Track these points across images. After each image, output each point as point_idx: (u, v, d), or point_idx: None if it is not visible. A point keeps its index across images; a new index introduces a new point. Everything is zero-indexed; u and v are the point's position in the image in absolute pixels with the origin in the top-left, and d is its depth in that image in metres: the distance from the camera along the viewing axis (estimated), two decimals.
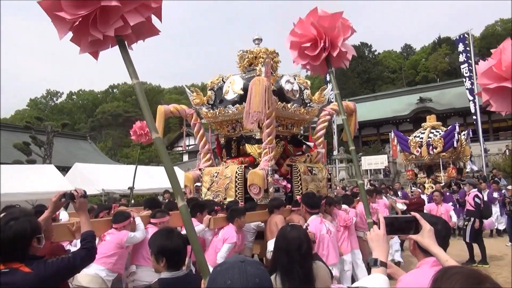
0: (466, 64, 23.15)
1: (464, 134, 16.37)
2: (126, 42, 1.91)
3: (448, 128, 16.61)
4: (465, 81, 23.43)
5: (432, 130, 16.83)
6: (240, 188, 6.10)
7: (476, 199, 8.60)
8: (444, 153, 15.71)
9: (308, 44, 2.86)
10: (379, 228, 1.69)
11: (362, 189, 2.79)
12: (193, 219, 5.05)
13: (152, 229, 4.57)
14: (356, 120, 6.99)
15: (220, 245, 4.83)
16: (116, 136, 45.03)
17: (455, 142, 15.44)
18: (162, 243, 2.31)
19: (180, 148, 43.90)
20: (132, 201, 12.02)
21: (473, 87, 22.64)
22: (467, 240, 8.51)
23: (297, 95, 6.89)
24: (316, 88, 7.68)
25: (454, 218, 8.03)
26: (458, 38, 23.69)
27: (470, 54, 22.87)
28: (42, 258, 2.31)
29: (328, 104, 7.42)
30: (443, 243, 2.01)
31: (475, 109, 22.61)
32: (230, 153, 6.98)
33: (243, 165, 6.29)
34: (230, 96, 6.70)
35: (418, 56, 55.29)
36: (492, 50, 2.47)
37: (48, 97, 62.68)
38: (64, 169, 18.16)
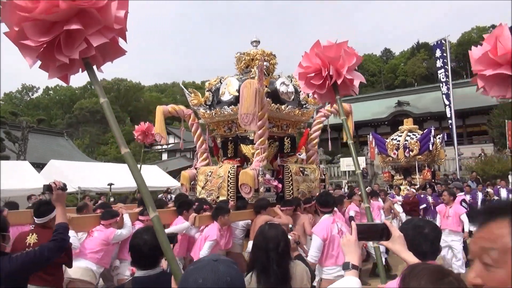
0: (443, 70, 23.71)
1: (439, 138, 16.79)
2: (93, 65, 1.96)
3: (424, 131, 17.01)
4: (442, 86, 24.02)
5: (409, 133, 17.20)
6: (232, 187, 6.24)
7: (463, 203, 8.40)
8: (419, 156, 16.08)
9: (313, 74, 2.99)
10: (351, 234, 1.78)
11: (360, 178, 2.94)
12: (179, 216, 5.26)
13: (140, 226, 4.69)
14: (352, 121, 7.34)
15: (204, 242, 4.93)
16: (93, 133, 44.18)
17: (430, 145, 15.82)
18: (132, 241, 2.28)
19: (159, 147, 43.46)
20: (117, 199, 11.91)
21: (449, 92, 23.22)
22: None
23: (292, 97, 7.02)
24: None
25: (466, 226, 6.92)
26: (435, 44, 24.24)
27: (447, 60, 23.43)
28: (7, 254, 2.34)
29: (323, 106, 7.62)
30: (432, 248, 2.06)
31: (451, 113, 23.19)
32: (227, 153, 7.11)
33: (235, 165, 6.45)
34: (226, 97, 6.84)
35: (397, 61, 56.41)
36: (484, 36, 2.51)
37: (24, 92, 61.02)
38: (39, 166, 17.76)
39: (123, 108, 51.40)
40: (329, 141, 7.32)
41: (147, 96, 57.50)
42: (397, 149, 16.44)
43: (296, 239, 3.33)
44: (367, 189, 10.44)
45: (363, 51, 60.33)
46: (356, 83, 3.04)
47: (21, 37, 1.75)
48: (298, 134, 7.65)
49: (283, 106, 6.67)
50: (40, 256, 2.48)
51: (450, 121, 23.36)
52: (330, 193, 5.65)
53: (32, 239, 3.60)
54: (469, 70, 47.76)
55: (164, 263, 2.46)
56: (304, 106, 7.22)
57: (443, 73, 23.66)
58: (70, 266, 3.82)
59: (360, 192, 7.08)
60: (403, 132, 17.37)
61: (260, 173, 5.95)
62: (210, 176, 6.62)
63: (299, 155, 7.11)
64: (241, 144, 6.90)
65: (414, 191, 10.96)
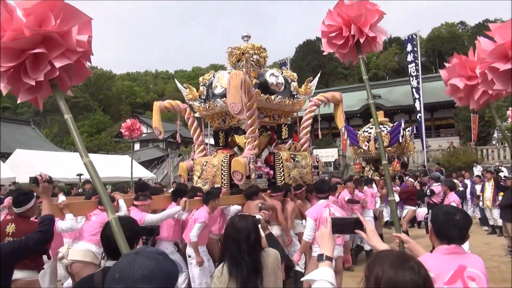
0: (413, 64, 24.31)
1: (408, 131, 17.25)
2: (61, 87, 2.14)
3: (395, 124, 17.42)
4: (412, 80, 24.62)
5: (380, 126, 17.57)
6: (226, 175, 6.58)
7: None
8: (390, 148, 16.45)
9: (335, 34, 3.03)
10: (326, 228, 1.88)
11: (386, 168, 2.95)
12: (173, 203, 5.51)
13: (135, 211, 5.01)
14: (343, 109, 7.71)
15: (193, 225, 5.18)
16: (62, 122, 42.86)
17: (400, 138, 16.22)
18: (103, 232, 2.26)
19: None
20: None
21: (418, 86, 23.86)
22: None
23: (282, 88, 7.28)
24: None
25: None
26: (407, 38, 24.78)
27: (417, 54, 24.03)
28: None
29: (314, 96, 7.94)
30: (460, 233, 2.13)
31: (420, 107, 23.83)
32: (218, 143, 7.48)
33: (228, 154, 6.77)
34: (218, 90, 7.10)
35: (369, 54, 57.35)
36: (491, 25, 2.59)
37: None
38: (4, 156, 17.13)
39: (93, 97, 50.09)
40: (319, 131, 7.75)
41: (119, 85, 56.24)
42: (368, 141, 16.73)
43: (266, 218, 3.42)
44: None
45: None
46: (380, 39, 3.07)
47: None
48: (293, 123, 7.99)
49: (272, 97, 6.94)
50: (25, 246, 2.60)
51: (419, 114, 24.02)
52: (326, 180, 5.92)
53: (11, 228, 3.79)
54: (438, 65, 49.17)
55: None
56: (295, 96, 7.53)
57: (414, 67, 24.26)
58: (48, 255, 4.05)
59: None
60: (374, 125, 17.73)
61: (251, 160, 6.26)
62: (205, 165, 6.96)
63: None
64: (234, 135, 7.18)
65: (413, 180, 11.08)
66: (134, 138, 11.26)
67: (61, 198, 5.86)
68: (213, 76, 7.46)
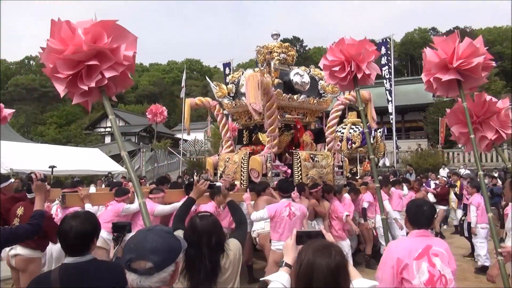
0: (387, 67, 24.81)
1: (380, 132, 17.62)
2: (108, 93, 2.56)
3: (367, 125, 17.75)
4: (386, 83, 25.13)
5: (352, 126, 17.84)
6: (244, 172, 6.77)
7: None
8: (361, 148, 16.78)
9: (337, 68, 3.52)
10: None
11: (375, 169, 3.22)
12: (187, 196, 5.54)
13: (149, 203, 5.29)
14: (372, 107, 7.75)
15: None
16: (30, 112, 41.43)
17: (372, 139, 16.57)
18: (60, 227, 2.18)
19: (102, 129, 41.71)
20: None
21: (391, 88, 24.38)
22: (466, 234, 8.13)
23: (307, 87, 7.37)
24: None
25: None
26: (381, 41, 25.24)
27: (391, 57, 24.55)
28: None
29: (341, 94, 8.09)
30: (426, 221, 2.66)
31: (392, 109, 24.38)
32: (242, 141, 7.65)
33: (248, 152, 6.93)
34: (243, 88, 7.17)
35: None
36: (435, 39, 3.13)
37: None
38: None
39: None
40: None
41: None
42: (341, 141, 17.00)
43: (227, 185, 3.50)
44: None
45: (314, 44, 61.55)
46: (373, 75, 3.56)
47: (54, 71, 2.33)
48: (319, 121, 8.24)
49: (295, 96, 7.05)
50: (15, 233, 2.85)
51: (391, 116, 24.57)
52: (290, 181, 5.96)
53: (20, 211, 4.24)
54: (410, 69, 50.46)
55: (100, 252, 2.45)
56: (322, 95, 7.64)
57: (387, 70, 24.75)
58: (52, 241, 4.25)
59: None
60: (347, 125, 18.02)
61: (268, 159, 6.44)
62: (228, 162, 7.20)
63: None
64: (259, 133, 7.31)
65: (445, 179, 11.05)
66: (159, 122, 12.09)
67: (92, 189, 6.42)
68: (242, 74, 7.61)
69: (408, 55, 53.14)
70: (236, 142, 8.05)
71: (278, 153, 6.99)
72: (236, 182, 6.66)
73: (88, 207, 5.03)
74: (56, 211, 5.50)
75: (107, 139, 39.26)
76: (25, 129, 37.03)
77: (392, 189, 7.89)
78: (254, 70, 7.41)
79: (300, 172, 6.75)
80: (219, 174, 7.42)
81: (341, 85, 3.69)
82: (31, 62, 56.34)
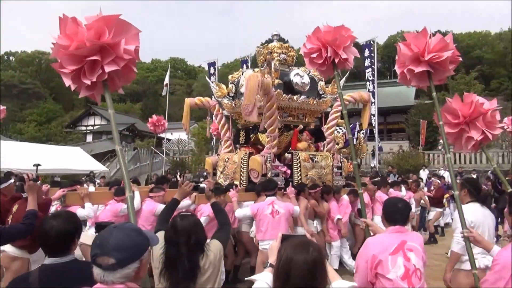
0: (370, 69, 25.10)
1: (362, 133, 17.82)
2: (112, 86, 2.64)
3: (350, 126, 17.92)
4: (369, 84, 25.41)
5: (336, 127, 17.98)
6: (244, 172, 6.79)
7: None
8: (344, 149, 16.94)
9: (315, 55, 3.70)
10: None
11: (356, 171, 3.32)
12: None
13: (149, 202, 5.47)
14: (370, 109, 7.86)
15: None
16: (9, 109, 40.36)
17: (354, 140, 16.74)
18: (41, 227, 2.16)
19: (83, 128, 41.03)
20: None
21: (374, 90, 24.68)
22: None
23: (307, 88, 7.41)
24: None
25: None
26: (365, 43, 25.52)
27: (374, 60, 24.85)
28: None
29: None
30: (402, 217, 2.78)
31: (375, 111, 24.68)
32: (238, 141, 7.68)
33: (247, 152, 6.96)
34: (244, 89, 7.20)
35: None
36: (407, 35, 3.33)
37: None
38: None
39: (44, 84, 47.56)
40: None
41: None
42: None
43: (211, 187, 3.71)
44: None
45: (298, 45, 61.64)
46: (351, 59, 3.72)
47: (61, 66, 2.45)
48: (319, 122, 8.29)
49: (295, 97, 7.09)
50: (8, 234, 2.88)
51: (374, 118, 24.86)
52: (273, 179, 5.98)
53: (15, 208, 4.16)
54: (392, 71, 51.17)
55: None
56: (321, 95, 7.69)
57: (370, 72, 25.04)
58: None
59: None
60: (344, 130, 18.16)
61: (268, 159, 6.44)
62: (227, 162, 7.19)
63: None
64: (258, 133, 7.32)
65: (439, 182, 11.01)
66: (158, 133, 12.79)
67: (91, 188, 6.40)
68: (242, 74, 7.63)
69: (391, 58, 53.86)
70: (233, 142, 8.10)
71: (278, 153, 7.01)
72: (235, 182, 6.66)
73: (88, 206, 5.08)
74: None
75: (89, 138, 38.65)
76: (4, 127, 36.11)
77: (391, 190, 7.97)
78: (254, 70, 7.44)
79: (299, 173, 6.78)
80: (218, 174, 7.44)
81: (321, 71, 3.86)
82: (11, 58, 55.01)
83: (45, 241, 2.10)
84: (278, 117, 6.66)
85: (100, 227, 3.09)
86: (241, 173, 6.83)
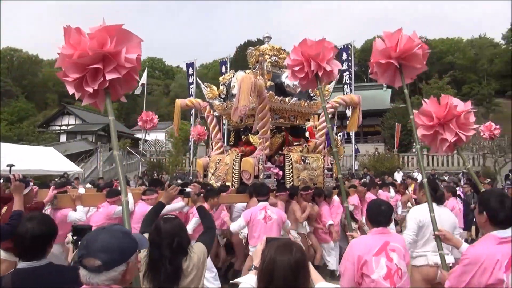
0: (347, 72, 25.44)
1: (340, 135, 18.08)
2: (115, 94, 2.70)
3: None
4: (346, 88, 25.76)
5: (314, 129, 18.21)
6: (236, 174, 6.79)
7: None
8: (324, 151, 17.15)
9: (297, 68, 3.79)
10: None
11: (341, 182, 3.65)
12: (178, 197, 5.73)
13: (142, 204, 5.39)
14: (360, 111, 7.80)
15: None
16: None
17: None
18: (18, 228, 2.14)
19: (57, 127, 39.99)
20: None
21: (351, 93, 25.03)
22: None
23: (298, 90, 7.41)
24: None
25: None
26: (342, 47, 25.85)
27: (351, 63, 25.23)
28: None
29: (331, 98, 8.29)
30: (385, 219, 2.89)
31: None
32: (228, 142, 7.77)
33: (239, 154, 6.96)
34: (235, 90, 7.21)
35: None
36: (385, 32, 3.42)
37: None
38: None
39: (16, 82, 46.12)
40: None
41: (47, 71, 52.25)
42: None
43: (196, 191, 3.72)
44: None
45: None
46: (335, 71, 3.82)
47: (65, 75, 2.52)
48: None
49: (287, 99, 7.15)
50: None
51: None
52: (265, 184, 5.94)
53: (4, 210, 4.11)
54: (369, 75, 52.09)
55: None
56: (312, 98, 7.77)
57: (348, 76, 25.39)
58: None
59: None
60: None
61: (260, 160, 6.46)
62: (219, 163, 7.20)
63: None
64: (250, 134, 7.34)
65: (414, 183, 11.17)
66: (148, 129, 12.40)
67: (81, 190, 6.31)
68: (233, 76, 7.62)
69: (367, 62, 54.77)
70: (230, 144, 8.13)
71: (269, 155, 7.02)
72: (227, 184, 6.66)
73: (80, 208, 4.97)
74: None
75: (62, 138, 37.66)
76: None
77: (380, 191, 8.12)
78: (245, 72, 7.47)
79: (291, 174, 6.81)
80: (209, 176, 7.42)
81: (302, 84, 3.93)
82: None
83: (21, 243, 2.06)
84: (270, 118, 6.69)
85: (77, 230, 3.04)
86: (233, 174, 6.84)
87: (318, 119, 8.24)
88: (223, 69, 27.30)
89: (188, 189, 3.46)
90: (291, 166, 6.84)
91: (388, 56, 3.37)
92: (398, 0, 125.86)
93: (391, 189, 8.81)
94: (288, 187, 6.38)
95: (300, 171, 6.91)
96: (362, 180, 12.28)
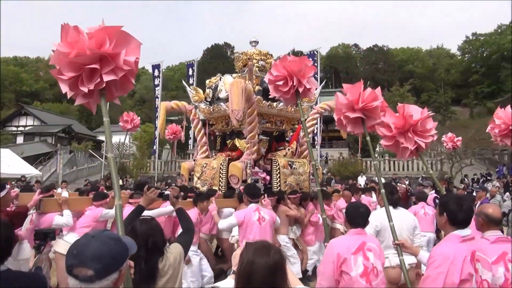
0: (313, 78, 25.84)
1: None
2: (110, 96, 2.62)
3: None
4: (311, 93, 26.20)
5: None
6: (223, 178, 6.74)
7: (437, 200, 8.55)
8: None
9: (281, 83, 3.88)
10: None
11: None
12: (167, 201, 5.75)
13: (129, 208, 5.04)
14: None
15: None
16: None
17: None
18: None
19: (13, 128, 38.19)
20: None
21: (317, 99, 25.47)
22: None
23: None
24: None
25: None
26: (309, 53, 26.25)
27: (317, 69, 25.70)
28: None
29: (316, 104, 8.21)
30: (363, 220, 3.04)
31: (319, 119, 25.44)
32: (215, 147, 7.65)
33: (227, 158, 6.92)
34: (222, 94, 7.24)
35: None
36: (345, 85, 3.71)
37: None
38: None
39: None
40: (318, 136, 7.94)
41: (3, 70, 49.85)
42: None
43: (175, 194, 3.68)
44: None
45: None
46: (313, 90, 3.96)
47: (59, 73, 2.45)
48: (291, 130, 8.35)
49: (274, 104, 7.12)
50: None
51: (317, 126, 25.61)
52: (257, 186, 5.88)
53: None
54: (334, 81, 53.36)
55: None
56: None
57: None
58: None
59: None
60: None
61: (248, 165, 6.44)
62: (205, 167, 7.12)
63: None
64: (236, 138, 7.30)
65: (404, 186, 11.16)
66: (130, 130, 12.01)
67: (64, 193, 6.11)
68: (219, 80, 7.56)
69: (332, 68, 56.18)
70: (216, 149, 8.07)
71: (256, 159, 7.01)
72: (214, 188, 6.58)
73: (66, 213, 4.82)
74: (31, 218, 5.01)
75: (19, 139, 36.02)
76: None
77: (362, 196, 8.21)
78: (232, 75, 7.47)
79: (279, 179, 6.80)
80: (195, 180, 7.31)
81: (285, 98, 4.01)
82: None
83: None
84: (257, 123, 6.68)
85: (39, 234, 2.91)
86: (220, 179, 6.79)
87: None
88: (190, 72, 27.10)
89: (167, 192, 3.49)
90: (278, 171, 6.84)
91: (352, 108, 3.59)
92: (363, 9, 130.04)
93: (373, 194, 8.99)
94: (273, 191, 6.33)
95: (287, 176, 6.93)
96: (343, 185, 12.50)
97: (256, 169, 6.79)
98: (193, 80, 26.79)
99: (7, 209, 4.28)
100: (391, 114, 3.66)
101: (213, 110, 7.41)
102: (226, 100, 7.01)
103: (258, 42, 7.91)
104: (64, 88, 2.54)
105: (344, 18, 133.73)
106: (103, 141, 29.11)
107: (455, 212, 2.64)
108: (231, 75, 7.55)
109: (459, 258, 2.46)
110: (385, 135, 3.66)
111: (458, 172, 21.48)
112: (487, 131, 4.55)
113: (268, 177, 6.86)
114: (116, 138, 35.94)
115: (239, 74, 7.42)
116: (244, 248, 1.76)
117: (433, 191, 9.40)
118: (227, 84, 7.17)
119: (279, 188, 6.70)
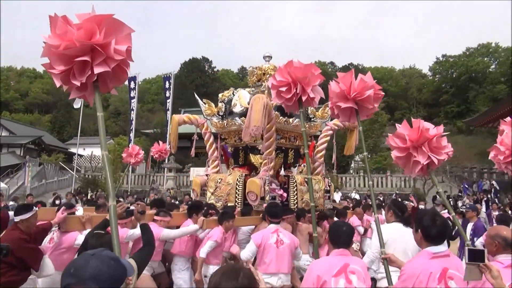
0: None
1: None
2: (104, 87, 2.59)
3: None
4: None
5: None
6: (239, 195, 6.54)
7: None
8: None
9: (284, 89, 3.75)
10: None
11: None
12: (189, 219, 5.64)
13: (153, 226, 4.71)
14: (357, 134, 7.61)
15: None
16: None
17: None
18: None
19: None
20: None
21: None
22: None
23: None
24: None
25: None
26: None
27: None
28: None
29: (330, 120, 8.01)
30: (346, 240, 2.91)
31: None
32: (238, 162, 7.36)
33: (243, 174, 6.74)
34: (237, 108, 7.10)
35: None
36: (339, 74, 3.61)
37: None
38: None
39: None
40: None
41: None
42: None
43: (139, 210, 3.65)
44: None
45: (221, 66, 62.66)
46: (317, 99, 3.81)
47: (51, 67, 2.40)
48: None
49: (291, 119, 7.00)
50: None
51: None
52: (279, 205, 5.73)
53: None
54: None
55: None
56: (311, 119, 7.62)
57: None
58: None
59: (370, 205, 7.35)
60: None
61: (266, 182, 6.28)
62: (219, 183, 6.90)
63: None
64: (250, 154, 7.13)
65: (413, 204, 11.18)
66: (132, 164, 10.61)
67: (79, 210, 5.89)
68: (233, 94, 7.44)
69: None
70: (232, 163, 7.83)
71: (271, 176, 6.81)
72: (229, 204, 6.40)
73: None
74: (52, 236, 4.82)
75: None
76: None
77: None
78: (245, 89, 7.43)
79: (296, 196, 6.64)
80: (208, 195, 7.09)
81: (287, 105, 3.90)
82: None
83: None
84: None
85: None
86: (236, 195, 6.57)
87: (316, 140, 8.25)
88: (167, 85, 26.89)
89: (132, 207, 3.44)
90: (295, 188, 6.68)
91: (344, 97, 3.51)
92: (337, 28, 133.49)
93: (383, 211, 9.00)
94: (291, 209, 6.19)
95: (304, 193, 6.75)
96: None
97: (273, 185, 6.60)
98: (170, 93, 26.60)
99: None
100: (406, 126, 3.52)
101: (226, 124, 7.24)
102: (241, 114, 6.97)
103: (271, 57, 7.72)
104: (57, 82, 2.48)
105: (320, 36, 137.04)
106: (74, 154, 28.29)
107: (429, 228, 2.66)
108: (245, 89, 7.48)
109: (425, 273, 2.52)
110: (398, 146, 3.52)
111: (430, 189, 21.96)
112: (489, 158, 4.25)
113: (285, 194, 6.68)
114: (88, 151, 35.10)
115: (252, 89, 7.28)
116: (214, 272, 1.67)
117: (446, 210, 9.28)
118: (242, 98, 7.10)
119: (296, 205, 6.55)
